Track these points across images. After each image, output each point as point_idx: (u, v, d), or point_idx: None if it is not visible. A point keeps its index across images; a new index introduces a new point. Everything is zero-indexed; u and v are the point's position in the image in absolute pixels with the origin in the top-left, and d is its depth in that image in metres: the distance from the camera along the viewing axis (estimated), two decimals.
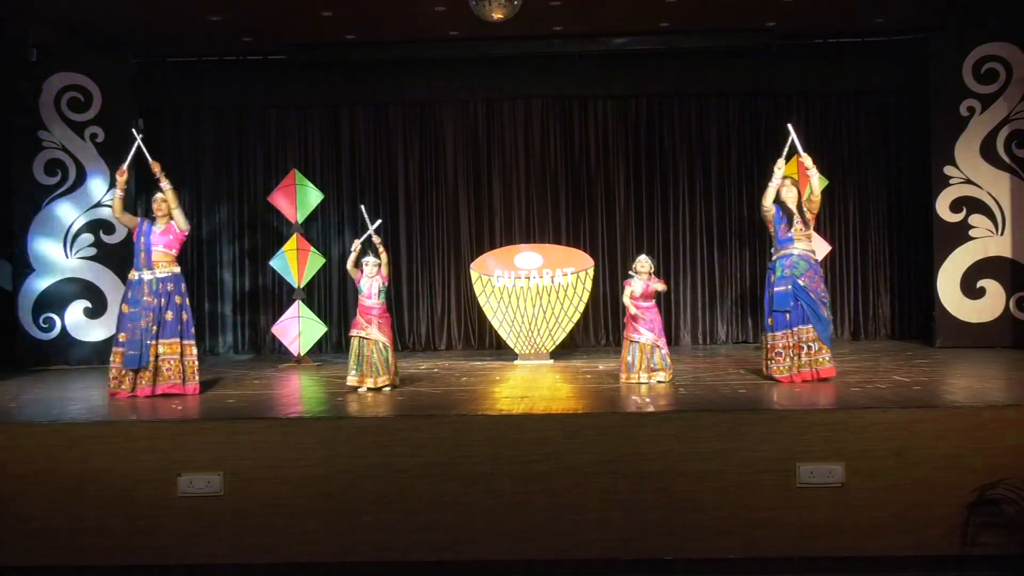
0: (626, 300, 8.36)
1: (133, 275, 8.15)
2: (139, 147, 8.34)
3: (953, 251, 11.20)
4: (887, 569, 6.21)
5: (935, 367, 9.26)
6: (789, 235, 7.96)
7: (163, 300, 8.05)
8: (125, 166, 8.23)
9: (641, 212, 12.66)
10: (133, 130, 8.81)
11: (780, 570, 6.23)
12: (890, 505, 6.20)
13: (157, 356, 8.03)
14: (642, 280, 8.34)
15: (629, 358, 8.31)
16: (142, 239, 8.11)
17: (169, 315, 8.06)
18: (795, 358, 7.90)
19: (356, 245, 8.37)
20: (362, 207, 9.22)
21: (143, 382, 7.99)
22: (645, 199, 12.71)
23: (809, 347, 7.90)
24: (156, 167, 8.13)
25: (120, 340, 8.08)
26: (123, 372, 8.01)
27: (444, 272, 12.78)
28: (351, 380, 8.17)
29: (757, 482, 6.25)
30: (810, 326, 7.88)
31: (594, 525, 6.29)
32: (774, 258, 8.09)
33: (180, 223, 8.18)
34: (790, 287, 7.89)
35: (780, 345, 7.96)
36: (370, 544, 6.34)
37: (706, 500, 6.27)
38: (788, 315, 7.90)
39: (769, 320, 8.06)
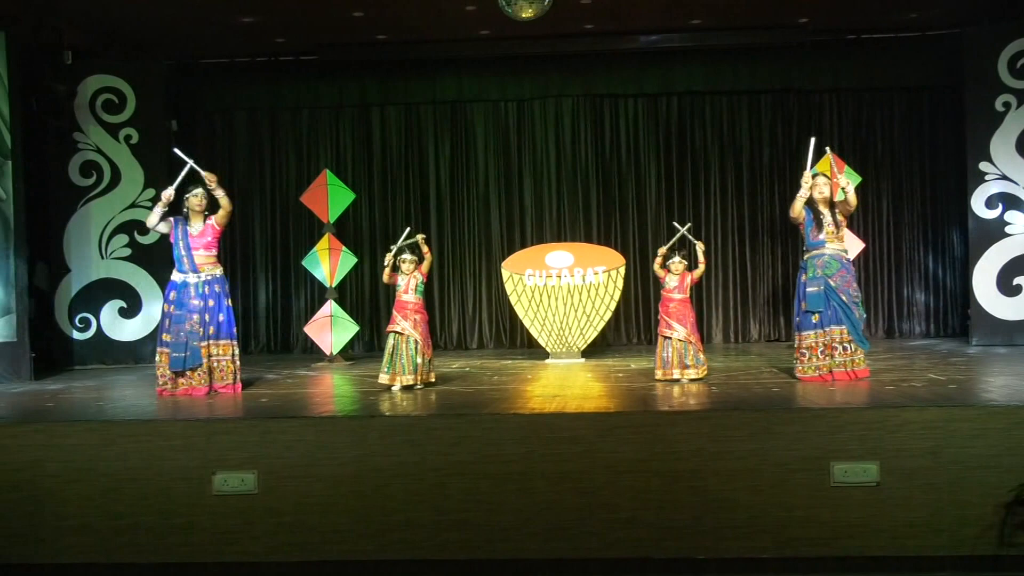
0: (657, 269, 8.56)
1: (177, 276, 8.13)
2: (191, 168, 8.18)
3: (989, 248, 11.06)
4: (922, 569, 6.15)
5: (971, 365, 9.16)
6: (820, 237, 7.86)
7: (211, 301, 8.11)
8: (172, 189, 8.10)
9: (672, 210, 12.60)
10: (178, 151, 8.42)
11: (814, 570, 6.18)
12: (925, 505, 6.14)
13: (210, 356, 8.13)
14: (676, 277, 8.38)
15: (664, 354, 8.30)
16: (180, 243, 8.10)
17: (221, 317, 8.17)
18: (828, 358, 7.82)
19: (388, 259, 8.35)
20: (407, 230, 8.71)
21: (196, 381, 8.06)
22: (676, 197, 12.67)
23: (844, 347, 7.82)
24: (212, 180, 8.09)
25: (165, 340, 8.11)
26: (170, 373, 8.09)
27: (475, 271, 12.81)
28: (383, 379, 8.20)
29: (791, 481, 6.22)
30: (843, 326, 7.79)
31: (626, 524, 6.28)
32: (805, 258, 7.99)
33: (221, 220, 8.19)
34: (822, 287, 7.79)
35: (806, 345, 7.89)
36: (402, 542, 6.35)
37: (739, 499, 6.24)
38: (818, 316, 7.82)
39: (797, 319, 8.02)
